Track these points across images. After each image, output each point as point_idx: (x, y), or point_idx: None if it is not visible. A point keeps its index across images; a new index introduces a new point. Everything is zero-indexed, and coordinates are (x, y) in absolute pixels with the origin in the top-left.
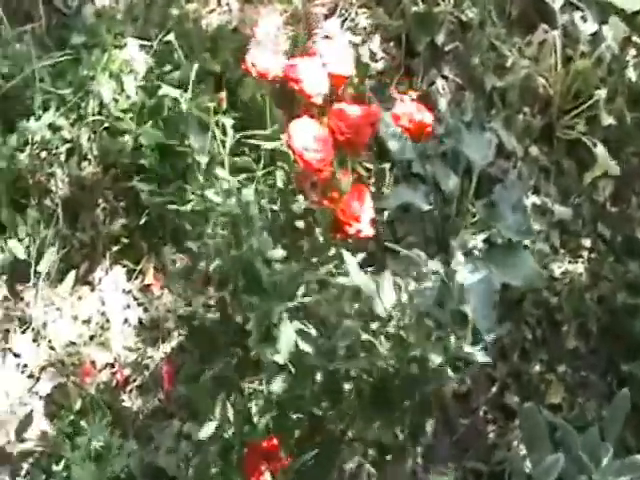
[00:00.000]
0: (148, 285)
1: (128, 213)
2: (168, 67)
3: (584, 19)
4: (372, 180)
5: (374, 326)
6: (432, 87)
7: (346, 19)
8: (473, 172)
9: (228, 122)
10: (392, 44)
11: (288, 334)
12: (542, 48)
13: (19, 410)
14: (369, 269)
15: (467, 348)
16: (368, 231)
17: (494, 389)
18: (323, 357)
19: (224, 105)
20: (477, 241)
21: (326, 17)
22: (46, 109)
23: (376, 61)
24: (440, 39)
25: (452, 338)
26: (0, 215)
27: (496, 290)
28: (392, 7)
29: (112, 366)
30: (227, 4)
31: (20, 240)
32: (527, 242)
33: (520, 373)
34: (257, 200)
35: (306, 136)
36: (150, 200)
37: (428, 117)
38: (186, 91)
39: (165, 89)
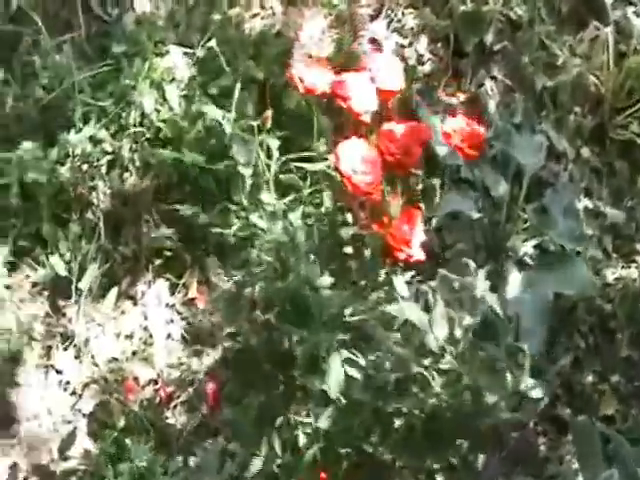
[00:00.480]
0: (192, 299)
1: (171, 225)
2: (210, 75)
3: (637, 14)
4: (420, 187)
5: (426, 361)
6: (481, 89)
7: (392, 20)
8: (523, 176)
9: (273, 143)
10: (439, 45)
11: (337, 367)
12: (594, 45)
13: (62, 428)
14: (417, 278)
15: (524, 385)
16: (419, 255)
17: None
18: (372, 392)
19: (269, 124)
20: (528, 248)
21: (372, 18)
22: (87, 121)
23: (423, 63)
24: (489, 39)
25: (508, 374)
26: (41, 229)
27: (549, 300)
28: (439, 7)
29: (155, 382)
30: (270, 8)
31: (61, 255)
32: (579, 248)
33: (572, 383)
34: (304, 223)
35: (354, 158)
36: (193, 222)
37: (480, 130)
38: (229, 107)
39: (209, 110)
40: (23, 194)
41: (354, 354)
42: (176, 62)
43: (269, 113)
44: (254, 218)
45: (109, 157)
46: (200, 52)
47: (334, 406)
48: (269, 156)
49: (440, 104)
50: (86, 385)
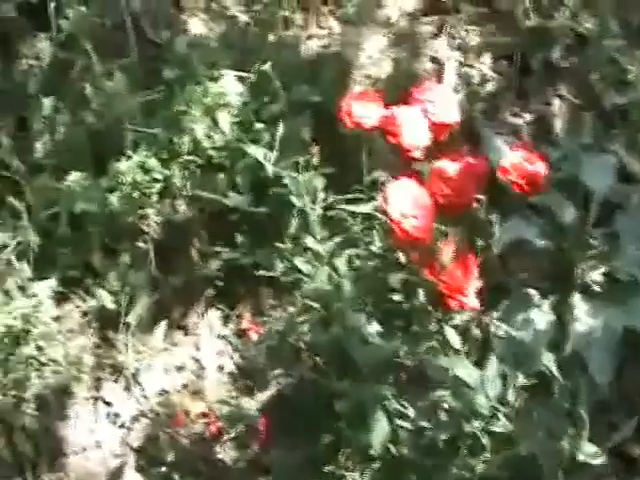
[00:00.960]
0: (245, 330)
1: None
2: (263, 100)
3: None
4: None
5: (476, 423)
6: (547, 108)
7: (454, 38)
8: (592, 200)
9: (319, 182)
10: (504, 62)
11: (381, 422)
12: None
13: (111, 462)
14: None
15: (582, 454)
16: (473, 303)
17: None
18: (419, 449)
19: (316, 159)
20: (596, 276)
21: (433, 36)
22: (137, 147)
23: (487, 82)
24: (555, 55)
25: (565, 438)
26: (91, 259)
27: (618, 334)
28: (504, 23)
29: (206, 416)
30: (328, 28)
31: (110, 287)
32: None
33: None
34: (350, 268)
35: (404, 200)
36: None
37: (541, 168)
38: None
39: (251, 150)
40: (72, 223)
41: (403, 405)
42: (229, 86)
43: (316, 149)
44: (298, 262)
45: (160, 185)
46: (254, 76)
47: (379, 461)
48: (314, 198)
49: (505, 125)
50: (136, 418)
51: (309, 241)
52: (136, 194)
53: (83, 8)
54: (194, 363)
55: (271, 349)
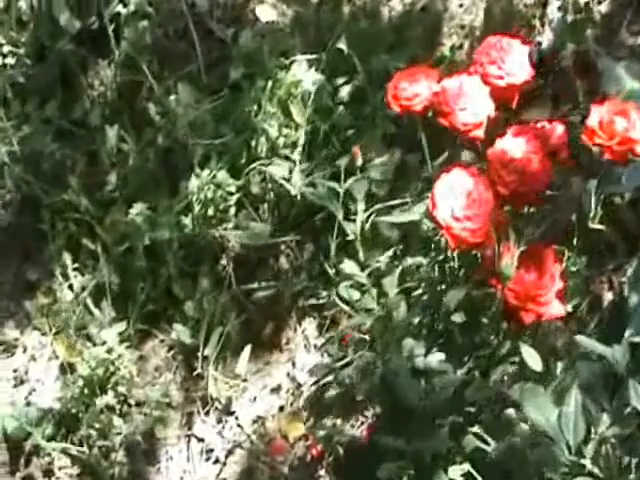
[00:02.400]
0: (343, 337)
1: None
2: (341, 80)
3: None
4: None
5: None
6: None
7: None
8: None
9: (360, 189)
10: None
11: None
12: None
13: None
14: None
15: None
16: (557, 310)
17: None
18: None
19: (359, 161)
20: None
21: None
22: (208, 161)
23: (600, 2)
24: None
25: None
26: (173, 290)
27: None
28: None
29: (306, 438)
30: None
31: (192, 317)
32: None
33: None
34: (401, 290)
35: (455, 199)
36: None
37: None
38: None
39: (272, 170)
40: (149, 254)
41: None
42: (302, 73)
43: (357, 149)
44: (341, 290)
45: (236, 197)
46: (327, 56)
47: None
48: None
49: (624, 48)
50: (230, 451)
51: (347, 266)
52: (211, 211)
53: (144, 22)
54: (290, 382)
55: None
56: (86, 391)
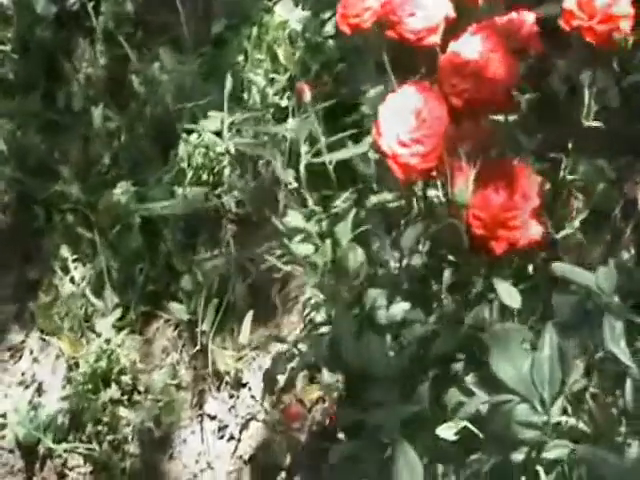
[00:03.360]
0: None
1: None
2: (328, 13)
3: None
4: None
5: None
6: None
7: None
8: None
9: (303, 130)
10: None
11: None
12: None
13: None
14: None
15: None
16: (535, 233)
17: None
18: None
19: (306, 98)
20: None
21: None
22: (196, 123)
23: None
24: None
25: None
26: (173, 264)
27: None
28: None
29: (323, 401)
30: None
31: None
32: None
33: None
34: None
35: (401, 122)
36: None
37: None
38: None
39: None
40: (143, 231)
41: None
42: (287, 12)
43: (303, 85)
44: (293, 245)
45: (229, 157)
46: None
47: None
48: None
49: None
50: (244, 426)
51: (291, 217)
52: (205, 176)
53: None
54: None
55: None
56: (90, 386)
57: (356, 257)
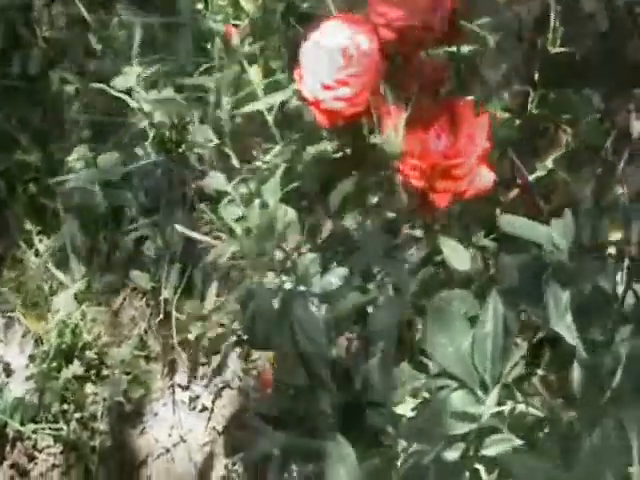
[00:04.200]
0: None
1: None
2: None
3: None
4: None
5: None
6: None
7: None
8: None
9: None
10: None
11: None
12: None
13: (197, 455)
14: None
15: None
16: (486, 180)
17: None
18: None
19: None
20: None
21: None
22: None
23: None
24: None
25: None
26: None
27: None
28: None
29: None
30: None
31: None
32: None
33: None
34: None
35: (325, 62)
36: None
37: None
38: None
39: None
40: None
41: None
42: None
43: (230, 28)
44: (221, 209)
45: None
46: None
47: None
48: None
49: None
50: (218, 395)
51: (212, 179)
52: (167, 134)
53: None
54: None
55: None
56: (54, 364)
57: (285, 219)
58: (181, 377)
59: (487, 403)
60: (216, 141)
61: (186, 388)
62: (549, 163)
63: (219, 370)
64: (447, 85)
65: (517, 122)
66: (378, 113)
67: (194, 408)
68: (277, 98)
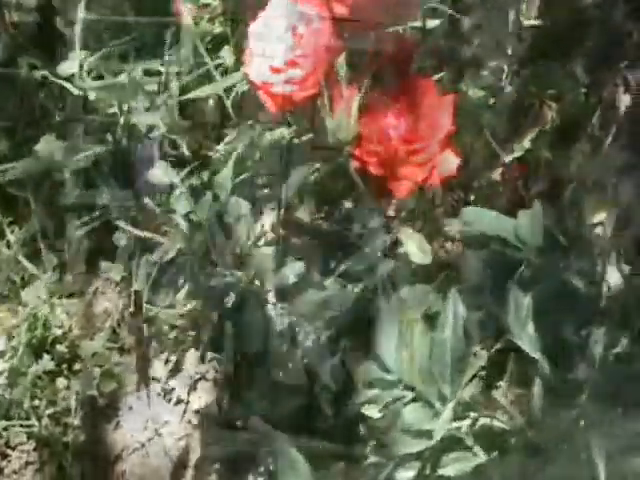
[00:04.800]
0: None
1: None
2: None
3: None
4: None
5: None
6: None
7: None
8: None
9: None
10: None
11: None
12: None
13: (173, 449)
14: None
15: None
16: (450, 165)
17: None
18: None
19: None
20: None
21: None
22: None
23: None
24: None
25: None
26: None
27: None
28: None
29: None
30: None
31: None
32: None
33: None
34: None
35: (274, 43)
36: None
37: None
38: None
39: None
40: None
41: None
42: None
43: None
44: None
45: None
46: None
47: None
48: None
49: None
50: (192, 387)
51: (159, 169)
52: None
53: None
54: None
55: None
56: (25, 359)
57: (238, 211)
58: (155, 369)
59: (443, 418)
60: (163, 129)
61: (160, 381)
62: (526, 143)
63: (194, 362)
64: (415, 63)
65: (492, 101)
66: (330, 96)
67: (169, 401)
68: (225, 83)
